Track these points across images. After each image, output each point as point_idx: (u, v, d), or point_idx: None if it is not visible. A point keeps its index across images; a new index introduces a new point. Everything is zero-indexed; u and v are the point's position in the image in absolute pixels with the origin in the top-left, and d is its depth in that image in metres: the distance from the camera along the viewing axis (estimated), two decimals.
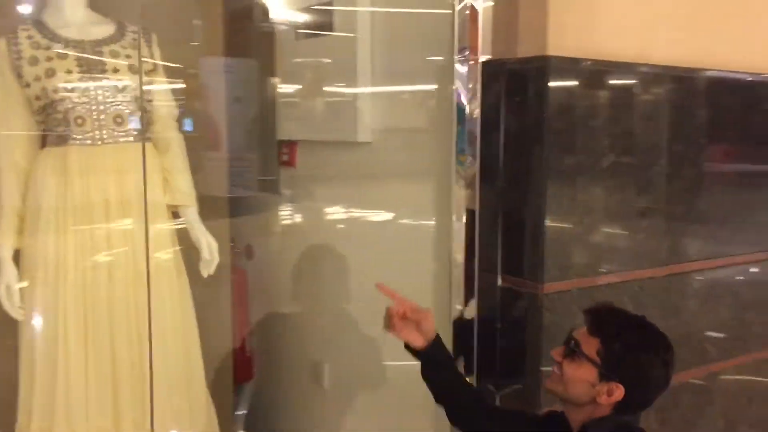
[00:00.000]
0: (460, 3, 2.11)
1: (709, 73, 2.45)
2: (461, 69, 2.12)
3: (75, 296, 2.21)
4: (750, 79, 2.59)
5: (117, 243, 2.25)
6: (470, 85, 2.13)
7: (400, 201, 2.49)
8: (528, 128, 2.15)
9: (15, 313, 2.22)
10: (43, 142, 2.28)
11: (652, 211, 2.37)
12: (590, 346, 1.62)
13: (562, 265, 2.18)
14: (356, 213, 2.68)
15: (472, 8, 2.11)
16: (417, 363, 1.89)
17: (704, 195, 2.50)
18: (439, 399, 1.91)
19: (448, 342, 2.08)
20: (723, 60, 2.49)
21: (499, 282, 2.24)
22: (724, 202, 2.56)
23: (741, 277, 2.66)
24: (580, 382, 1.63)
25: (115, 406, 2.27)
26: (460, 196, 2.18)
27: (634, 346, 1.61)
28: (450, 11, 2.12)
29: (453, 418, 1.91)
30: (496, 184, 2.21)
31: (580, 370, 1.63)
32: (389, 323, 1.86)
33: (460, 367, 2.17)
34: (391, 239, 2.51)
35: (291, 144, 2.93)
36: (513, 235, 2.21)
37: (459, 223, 2.18)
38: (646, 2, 2.30)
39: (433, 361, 1.88)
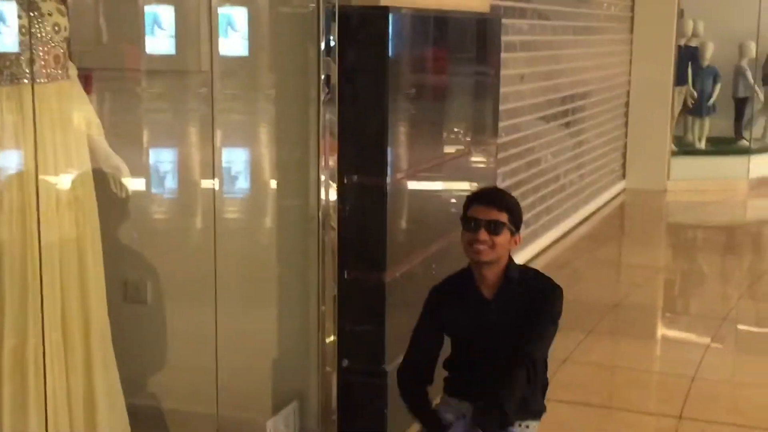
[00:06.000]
0: None
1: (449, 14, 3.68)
2: None
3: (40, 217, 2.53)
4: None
5: (62, 169, 2.61)
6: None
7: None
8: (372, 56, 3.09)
9: None
10: None
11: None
12: (503, 218, 2.41)
13: (396, 164, 3.21)
14: None
15: None
16: None
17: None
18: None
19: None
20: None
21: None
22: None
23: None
24: (506, 243, 2.42)
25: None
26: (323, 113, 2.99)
27: (518, 207, 2.49)
28: None
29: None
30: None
31: (503, 236, 2.40)
32: None
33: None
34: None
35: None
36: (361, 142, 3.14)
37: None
38: None
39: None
